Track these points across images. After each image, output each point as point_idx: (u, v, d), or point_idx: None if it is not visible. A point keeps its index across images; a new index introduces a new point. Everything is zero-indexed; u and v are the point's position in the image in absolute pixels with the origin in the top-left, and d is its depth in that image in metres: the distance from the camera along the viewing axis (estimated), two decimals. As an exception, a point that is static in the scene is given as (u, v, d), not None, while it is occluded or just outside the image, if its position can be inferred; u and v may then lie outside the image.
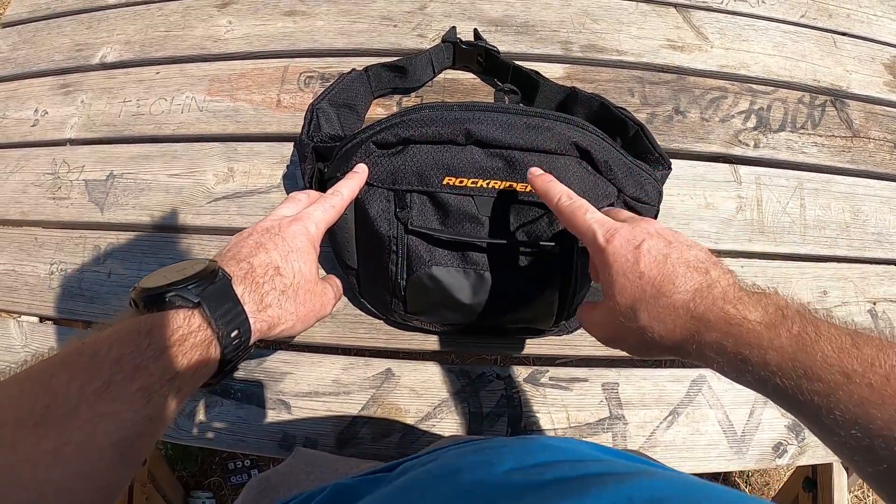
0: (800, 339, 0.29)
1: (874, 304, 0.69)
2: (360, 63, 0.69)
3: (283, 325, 0.40)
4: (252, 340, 0.37)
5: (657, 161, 0.59)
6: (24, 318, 0.72)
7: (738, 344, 0.31)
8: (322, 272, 0.65)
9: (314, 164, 0.57)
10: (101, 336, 0.31)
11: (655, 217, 0.56)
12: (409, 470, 0.37)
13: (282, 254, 0.40)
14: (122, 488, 0.30)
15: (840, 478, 0.77)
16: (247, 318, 0.36)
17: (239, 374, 0.64)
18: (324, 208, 0.46)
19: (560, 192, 0.44)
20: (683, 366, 0.67)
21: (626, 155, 0.53)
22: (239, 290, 0.36)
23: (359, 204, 0.54)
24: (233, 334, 0.35)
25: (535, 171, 0.48)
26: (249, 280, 0.38)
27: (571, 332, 0.63)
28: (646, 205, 0.55)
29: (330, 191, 0.48)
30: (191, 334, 0.33)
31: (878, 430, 0.26)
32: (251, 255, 0.39)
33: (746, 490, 1.22)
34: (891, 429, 0.25)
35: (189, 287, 0.34)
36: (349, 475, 0.41)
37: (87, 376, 0.28)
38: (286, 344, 0.66)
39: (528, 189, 0.51)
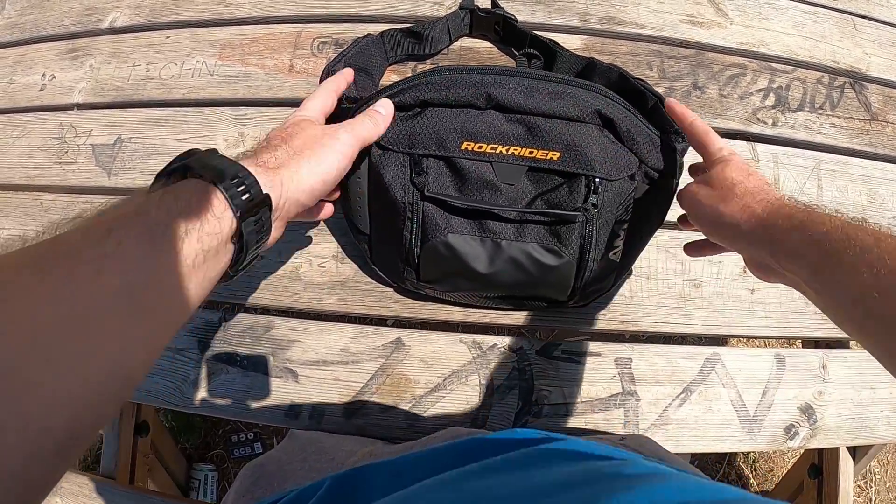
0: (848, 219, 0.37)
1: (889, 287, 0.69)
2: (374, 29, 0.68)
3: (297, 174, 0.39)
4: (266, 190, 0.36)
5: (676, 133, 0.58)
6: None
7: (805, 213, 0.38)
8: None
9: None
10: (104, 209, 0.30)
11: (675, 190, 0.56)
12: (413, 464, 0.36)
13: (272, 134, 0.42)
14: (143, 348, 0.27)
15: (846, 464, 0.76)
16: (243, 166, 0.35)
17: (245, 341, 0.63)
18: (312, 97, 0.47)
19: (694, 116, 0.51)
20: (697, 344, 0.66)
21: (649, 125, 0.52)
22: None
23: (373, 168, 0.52)
24: (233, 181, 0.34)
25: (671, 100, 0.53)
26: (242, 158, 0.38)
27: (587, 304, 0.62)
28: (667, 177, 0.54)
29: (317, 88, 0.50)
30: (184, 183, 0.33)
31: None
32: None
33: (751, 476, 1.22)
34: None
35: (175, 159, 0.35)
36: (345, 466, 0.41)
37: (90, 227, 0.27)
38: (297, 310, 0.65)
39: (548, 156, 0.50)
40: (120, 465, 0.79)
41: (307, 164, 0.40)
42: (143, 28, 0.82)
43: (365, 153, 0.52)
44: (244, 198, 0.34)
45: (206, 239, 0.31)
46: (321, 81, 0.59)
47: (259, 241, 0.36)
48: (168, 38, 0.80)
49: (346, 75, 0.52)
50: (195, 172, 0.33)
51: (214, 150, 0.36)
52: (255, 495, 0.45)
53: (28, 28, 0.88)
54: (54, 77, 0.82)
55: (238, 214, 0.33)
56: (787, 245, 0.38)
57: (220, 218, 0.32)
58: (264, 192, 0.35)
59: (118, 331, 0.26)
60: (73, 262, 0.25)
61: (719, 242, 0.47)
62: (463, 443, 0.38)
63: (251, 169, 0.36)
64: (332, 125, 0.45)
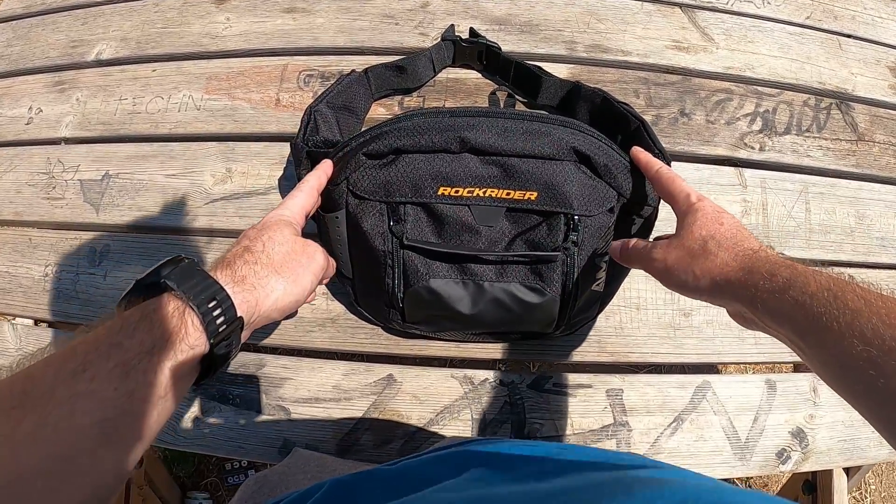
0: (835, 278, 0.35)
1: (878, 308, 0.69)
2: (360, 61, 0.68)
3: (273, 294, 0.39)
4: (240, 313, 0.36)
5: (657, 158, 0.58)
6: (18, 320, 0.71)
7: (788, 270, 0.37)
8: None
9: (308, 168, 0.56)
10: (77, 335, 0.31)
11: (655, 217, 0.56)
12: (409, 471, 0.36)
13: (251, 237, 0.42)
14: (114, 476, 0.29)
15: (840, 481, 0.76)
16: (221, 287, 0.35)
17: (238, 379, 0.63)
18: (292, 195, 0.48)
19: (661, 164, 0.50)
20: (688, 372, 0.66)
21: (626, 156, 0.52)
22: (211, 273, 0.37)
23: (351, 217, 0.52)
24: (210, 304, 0.34)
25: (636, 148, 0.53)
26: (221, 264, 0.39)
27: (573, 331, 0.62)
28: (646, 206, 0.54)
29: (298, 184, 0.50)
30: (160, 307, 0.33)
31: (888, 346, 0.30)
32: (227, 252, 0.41)
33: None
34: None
35: (155, 273, 0.35)
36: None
37: (62, 360, 0.28)
38: (289, 348, 0.65)
39: (526, 196, 0.50)
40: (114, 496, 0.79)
41: (283, 285, 0.40)
42: (129, 61, 0.82)
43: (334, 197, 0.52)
44: (219, 322, 0.34)
45: (178, 367, 0.32)
46: (303, 120, 0.59)
47: (227, 359, 0.37)
48: (154, 71, 0.80)
49: (325, 168, 0.51)
50: (175, 294, 0.34)
51: (192, 263, 0.37)
52: (256, 501, 0.46)
53: (14, 60, 0.88)
54: (41, 110, 0.81)
55: (211, 341, 0.34)
56: (770, 305, 0.37)
57: (193, 347, 0.33)
58: (238, 314, 0.36)
59: (90, 465, 0.27)
60: (47, 404, 0.26)
61: (698, 299, 0.45)
62: (461, 452, 0.38)
63: (228, 288, 0.36)
64: (309, 241, 0.45)
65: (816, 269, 0.37)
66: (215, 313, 0.34)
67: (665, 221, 0.57)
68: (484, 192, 0.50)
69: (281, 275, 0.40)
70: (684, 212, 0.46)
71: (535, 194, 0.50)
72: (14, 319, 0.71)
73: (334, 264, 0.50)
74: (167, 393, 0.31)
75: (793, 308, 0.35)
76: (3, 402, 0.26)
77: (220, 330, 0.34)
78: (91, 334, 0.30)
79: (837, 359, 0.33)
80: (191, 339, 0.33)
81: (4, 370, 0.29)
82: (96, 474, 0.28)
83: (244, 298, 0.37)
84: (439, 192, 0.50)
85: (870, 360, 0.30)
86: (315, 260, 0.44)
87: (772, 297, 0.37)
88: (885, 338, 0.30)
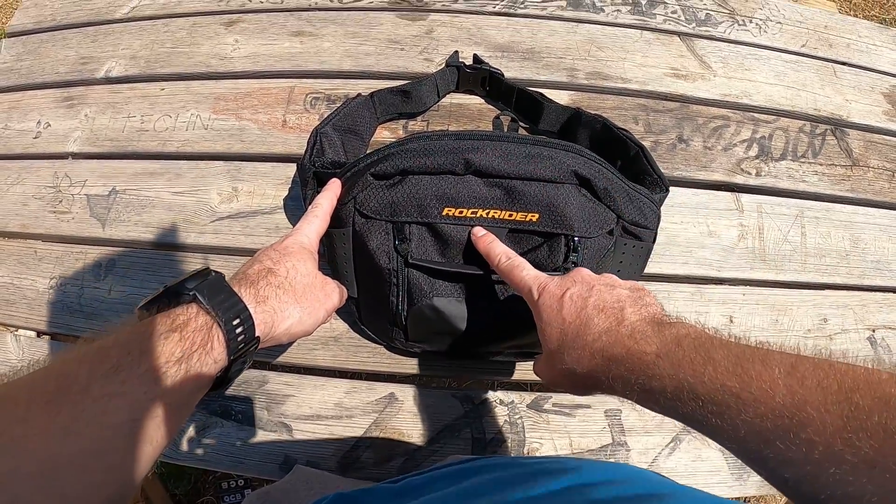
0: (689, 365, 0.31)
1: (873, 331, 0.70)
2: (366, 85, 0.69)
3: (289, 320, 0.41)
4: (258, 333, 0.38)
5: (655, 183, 0.59)
6: (21, 332, 0.71)
7: (640, 375, 0.33)
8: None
9: (315, 189, 0.57)
10: (105, 335, 0.32)
11: (654, 240, 0.57)
12: (412, 488, 0.37)
13: (274, 260, 0.43)
14: (137, 475, 0.30)
15: None
16: (245, 307, 0.37)
17: (241, 395, 0.64)
18: (308, 220, 0.50)
19: (500, 253, 0.48)
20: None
21: (625, 180, 0.53)
22: (234, 288, 0.38)
23: (357, 236, 0.53)
24: (234, 322, 0.36)
25: (478, 232, 0.51)
26: (244, 281, 0.40)
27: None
28: (644, 229, 0.55)
29: (311, 206, 0.52)
30: (190, 320, 0.34)
31: (766, 442, 0.27)
32: (247, 268, 0.42)
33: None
34: (775, 444, 0.27)
35: (184, 284, 0.36)
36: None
37: (97, 360, 0.29)
38: (291, 365, 0.66)
39: (528, 218, 0.51)
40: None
41: (299, 314, 0.42)
42: (138, 79, 0.83)
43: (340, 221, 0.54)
44: (239, 339, 0.36)
45: (200, 379, 0.34)
46: (308, 142, 0.61)
47: (239, 372, 0.39)
48: (163, 90, 0.81)
49: (334, 189, 0.53)
50: (203, 307, 0.35)
51: (220, 277, 0.38)
52: None
53: (24, 74, 0.89)
54: (49, 125, 0.82)
55: (231, 357, 0.36)
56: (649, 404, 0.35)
57: (216, 361, 0.35)
58: (256, 334, 0.38)
59: (119, 462, 0.28)
60: (82, 401, 0.27)
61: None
62: (466, 467, 0.39)
63: (251, 307, 0.38)
64: (329, 280, 0.48)
65: (664, 351, 0.33)
66: (238, 331, 0.36)
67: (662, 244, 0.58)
68: (487, 213, 0.52)
69: (300, 304, 0.42)
70: (534, 314, 0.43)
71: (537, 216, 0.51)
72: (17, 331, 0.71)
73: (345, 298, 0.52)
74: (188, 401, 0.33)
75: (671, 413, 0.33)
76: (39, 396, 0.27)
77: (240, 347, 0.36)
78: (120, 337, 0.32)
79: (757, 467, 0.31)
80: (215, 353, 0.35)
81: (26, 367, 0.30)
82: (124, 471, 0.29)
83: (263, 319, 0.39)
84: (444, 213, 0.51)
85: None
86: (331, 298, 0.46)
87: (643, 401, 0.35)
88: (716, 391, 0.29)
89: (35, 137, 0.82)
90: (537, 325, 0.43)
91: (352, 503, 0.37)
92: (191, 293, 0.36)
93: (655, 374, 0.33)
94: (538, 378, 0.48)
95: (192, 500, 1.10)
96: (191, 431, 0.63)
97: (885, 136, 0.82)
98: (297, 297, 0.42)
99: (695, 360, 0.31)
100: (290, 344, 0.65)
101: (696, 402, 0.30)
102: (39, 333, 0.72)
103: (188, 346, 0.33)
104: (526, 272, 0.45)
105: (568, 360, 0.39)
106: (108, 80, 0.84)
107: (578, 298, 0.40)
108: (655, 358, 0.33)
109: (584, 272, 0.43)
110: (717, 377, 0.30)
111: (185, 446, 0.62)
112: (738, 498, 1.24)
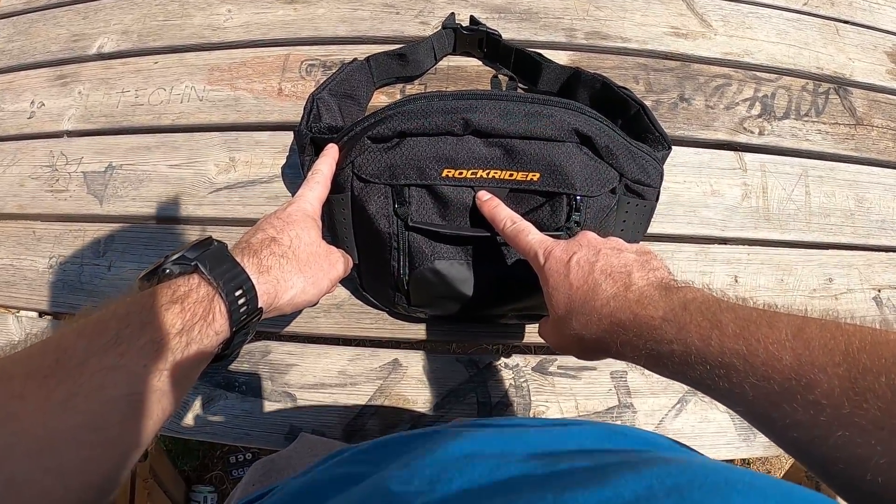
0: (696, 329, 0.31)
1: (879, 291, 0.70)
2: (362, 50, 0.68)
3: (292, 290, 0.40)
4: (261, 304, 0.37)
5: (657, 141, 0.58)
6: (22, 312, 0.71)
7: (648, 341, 0.33)
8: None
9: (312, 155, 0.56)
10: (104, 306, 0.31)
11: (657, 199, 0.56)
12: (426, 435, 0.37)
13: (277, 228, 0.42)
14: (136, 449, 0.30)
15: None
16: (248, 277, 0.36)
17: (243, 366, 0.64)
18: (310, 186, 0.49)
19: (505, 217, 0.48)
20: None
21: (627, 138, 0.52)
22: (237, 257, 0.38)
23: (356, 201, 0.53)
24: (237, 293, 0.35)
25: (483, 196, 0.50)
26: (247, 250, 0.39)
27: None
28: (648, 187, 0.54)
29: (310, 172, 0.51)
30: (192, 291, 0.34)
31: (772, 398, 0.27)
32: (249, 237, 0.41)
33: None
34: (782, 406, 0.27)
35: (185, 254, 0.35)
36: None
37: (95, 333, 0.29)
38: (294, 334, 0.66)
39: (529, 178, 0.51)
40: (119, 489, 0.79)
41: (303, 284, 0.41)
42: (130, 54, 0.82)
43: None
44: (242, 311, 0.35)
45: (202, 351, 0.33)
46: (305, 108, 0.60)
47: (242, 344, 0.38)
48: (156, 63, 0.80)
49: (333, 154, 0.52)
50: (204, 277, 0.35)
51: (223, 247, 0.38)
52: (263, 485, 0.46)
53: (15, 55, 0.88)
54: (43, 104, 0.82)
55: (234, 329, 0.35)
56: (638, 360, 0.35)
57: (218, 333, 0.34)
58: (259, 305, 0.37)
59: (118, 436, 0.28)
60: (80, 375, 0.27)
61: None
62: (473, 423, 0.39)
63: (253, 278, 0.37)
64: (333, 249, 0.47)
65: (671, 316, 0.33)
66: (240, 302, 0.35)
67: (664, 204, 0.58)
68: (487, 174, 0.51)
69: (303, 273, 0.41)
70: (540, 279, 0.43)
71: (538, 175, 0.51)
72: (18, 312, 0.71)
73: (350, 267, 0.51)
74: (189, 374, 0.32)
75: (679, 377, 0.33)
76: (37, 370, 0.27)
77: (243, 318, 0.35)
78: (120, 308, 0.31)
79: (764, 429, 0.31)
80: (217, 324, 0.34)
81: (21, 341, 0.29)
82: (123, 445, 0.28)
83: (266, 290, 0.38)
84: (443, 174, 0.50)
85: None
86: (335, 268, 0.46)
87: (651, 366, 0.35)
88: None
89: (29, 117, 0.81)
90: (543, 290, 0.42)
91: (372, 448, 0.36)
92: (192, 263, 0.35)
93: (663, 338, 0.32)
94: (543, 341, 0.48)
95: (201, 475, 1.11)
96: (195, 405, 0.63)
97: (888, 96, 0.81)
98: (300, 267, 0.41)
99: (701, 324, 0.31)
100: (293, 315, 0.64)
101: (703, 366, 0.30)
102: (41, 314, 0.72)
103: (189, 317, 0.32)
104: (532, 236, 0.45)
105: (576, 326, 0.38)
106: (101, 57, 0.83)
107: (585, 263, 0.39)
108: (662, 322, 0.33)
109: (590, 235, 0.43)
110: (724, 341, 0.30)
111: (189, 420, 0.62)
112: (745, 459, 1.24)
